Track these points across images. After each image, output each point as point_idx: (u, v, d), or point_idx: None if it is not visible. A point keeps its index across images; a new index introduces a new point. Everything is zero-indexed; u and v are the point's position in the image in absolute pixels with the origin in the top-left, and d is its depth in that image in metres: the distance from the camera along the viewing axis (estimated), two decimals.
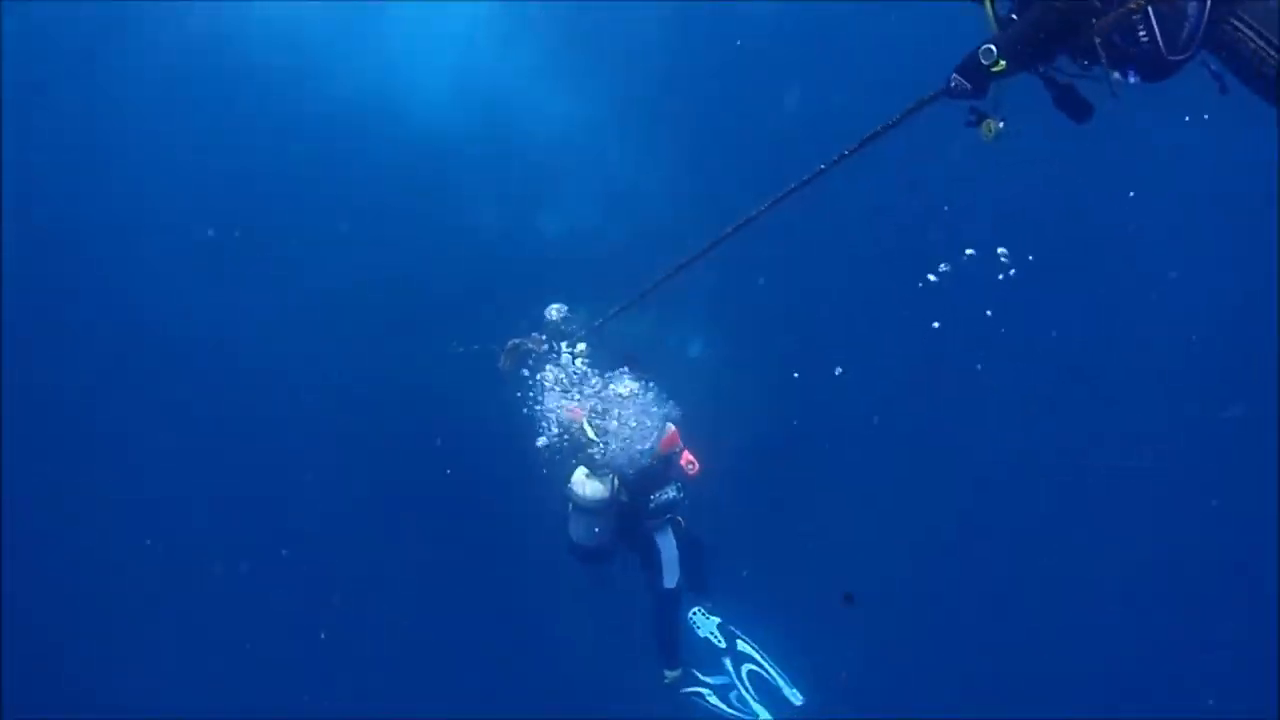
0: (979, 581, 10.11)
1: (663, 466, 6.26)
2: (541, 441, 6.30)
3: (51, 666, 10.53)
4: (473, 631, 10.40)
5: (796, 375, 9.00)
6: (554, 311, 6.19)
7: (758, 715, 6.38)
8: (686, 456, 6.34)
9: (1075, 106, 3.34)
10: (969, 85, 3.25)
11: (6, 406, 10.18)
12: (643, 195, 9.99)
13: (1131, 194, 9.81)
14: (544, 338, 6.22)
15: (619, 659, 7.27)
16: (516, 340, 6.22)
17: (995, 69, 3.12)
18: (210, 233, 10.39)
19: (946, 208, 8.91)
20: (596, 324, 5.96)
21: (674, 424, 6.24)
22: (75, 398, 10.55)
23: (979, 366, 10.02)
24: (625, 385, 6.12)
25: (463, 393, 8.15)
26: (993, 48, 3.14)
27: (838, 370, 8.75)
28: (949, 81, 3.31)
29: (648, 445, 6.13)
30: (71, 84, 10.24)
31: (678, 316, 7.47)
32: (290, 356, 10.26)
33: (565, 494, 6.16)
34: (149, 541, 10.43)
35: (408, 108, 10.34)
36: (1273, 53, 2.89)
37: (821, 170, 3.95)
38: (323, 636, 10.13)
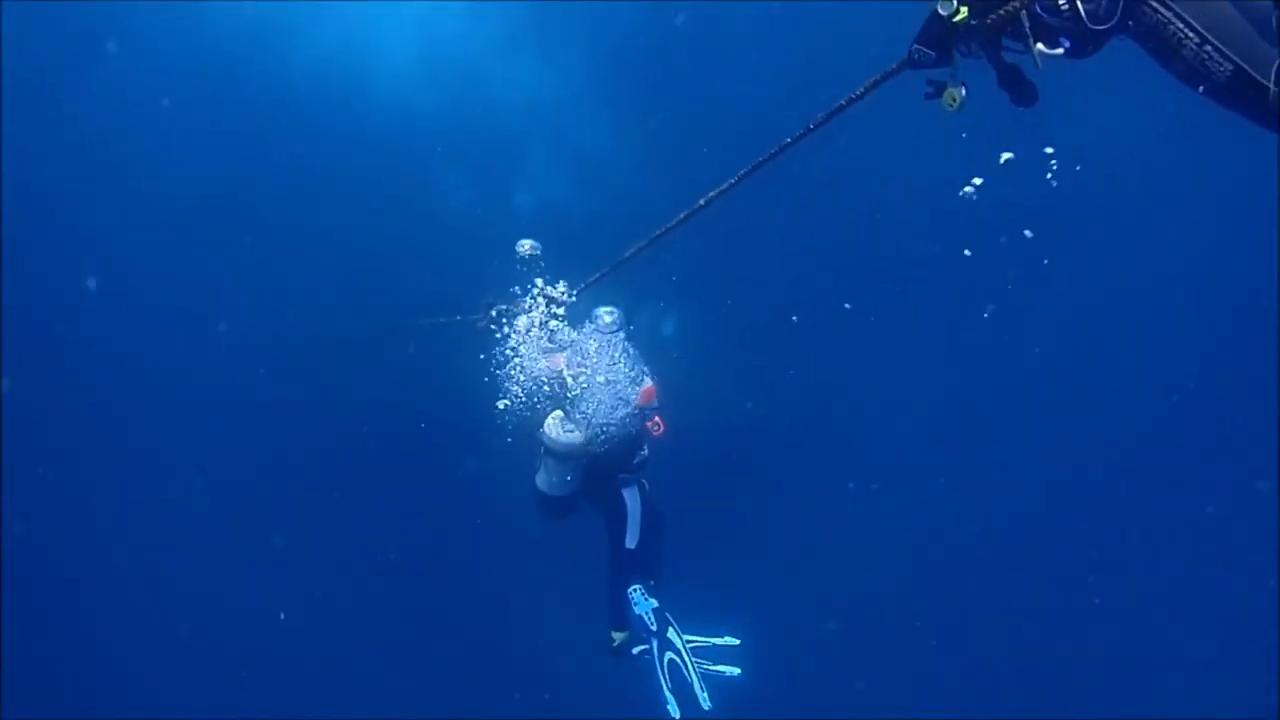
0: (967, 580, 10.05)
1: (639, 422, 6.18)
2: (502, 404, 6.21)
3: (51, 666, 10.56)
4: (453, 623, 10.44)
5: (795, 318, 8.91)
6: (526, 246, 6.11)
7: (669, 701, 6.34)
8: (655, 417, 6.32)
9: (1018, 87, 3.27)
10: (932, 52, 3.20)
11: (7, 406, 10.24)
12: (615, 168, 9.98)
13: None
14: (524, 299, 6.12)
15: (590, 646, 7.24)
16: (503, 306, 6.17)
17: (957, 19, 3.06)
18: (189, 222, 10.45)
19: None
20: (580, 288, 5.89)
21: (650, 380, 6.18)
22: (73, 396, 10.61)
23: (974, 331, 10.03)
24: (607, 313, 5.98)
25: (435, 368, 8.14)
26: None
27: (846, 305, 8.68)
28: (911, 53, 3.25)
29: (628, 399, 6.06)
30: (54, 82, 10.31)
31: (653, 293, 7.43)
32: (276, 346, 10.30)
33: (537, 438, 6.06)
34: (146, 538, 10.48)
35: (377, 86, 10.30)
36: (1192, 35, 2.83)
37: (787, 144, 3.93)
38: (282, 616, 10.16)
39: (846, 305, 9.73)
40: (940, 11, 3.09)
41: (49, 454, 10.46)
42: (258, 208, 10.54)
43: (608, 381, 6.04)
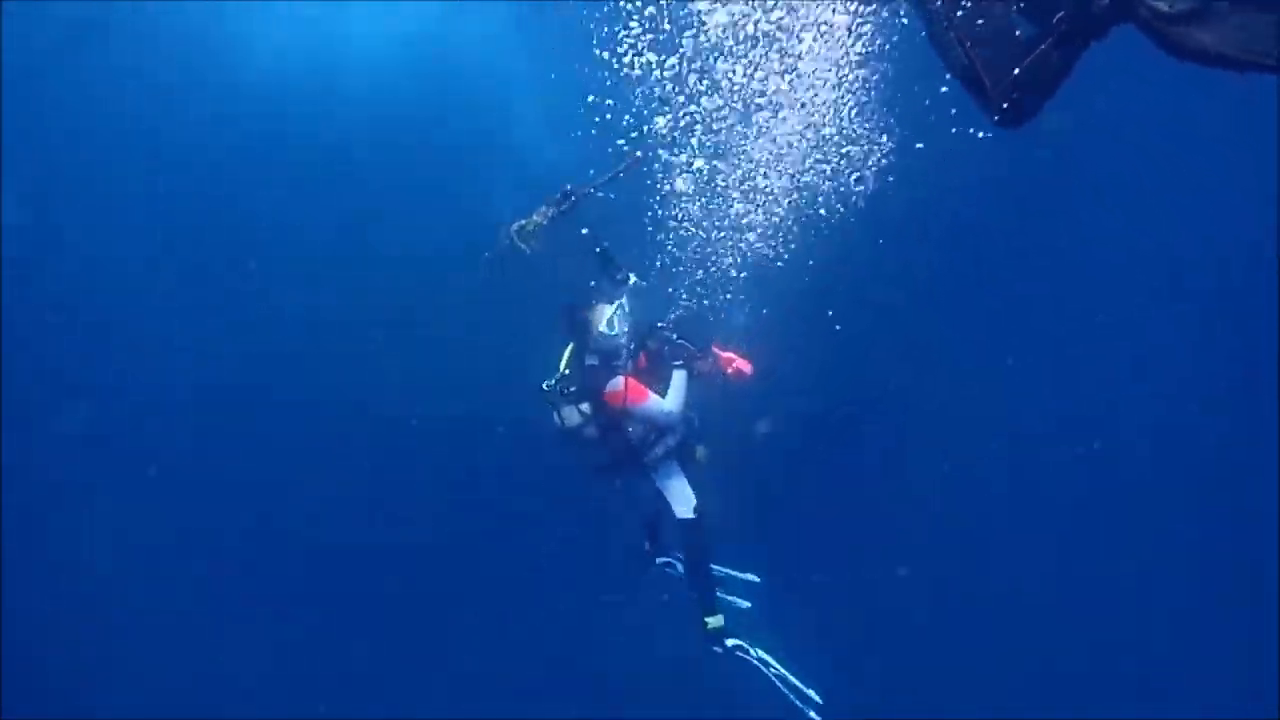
0: (964, 579, 10.05)
1: (613, 418, 5.82)
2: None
3: (51, 666, 10.56)
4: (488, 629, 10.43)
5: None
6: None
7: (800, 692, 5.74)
8: (735, 362, 5.98)
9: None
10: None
11: (6, 407, 10.24)
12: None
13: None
14: (547, 209, 5.76)
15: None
16: (510, 223, 5.79)
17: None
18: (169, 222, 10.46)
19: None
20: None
21: (619, 381, 5.72)
22: (72, 396, 10.61)
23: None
24: None
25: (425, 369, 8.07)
26: None
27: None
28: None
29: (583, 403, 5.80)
30: (47, 84, 10.30)
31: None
32: (272, 351, 10.32)
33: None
34: (146, 539, 10.47)
35: (365, 87, 10.23)
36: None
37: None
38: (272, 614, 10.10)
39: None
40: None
41: (49, 449, 10.47)
42: (233, 211, 10.49)
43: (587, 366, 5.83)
